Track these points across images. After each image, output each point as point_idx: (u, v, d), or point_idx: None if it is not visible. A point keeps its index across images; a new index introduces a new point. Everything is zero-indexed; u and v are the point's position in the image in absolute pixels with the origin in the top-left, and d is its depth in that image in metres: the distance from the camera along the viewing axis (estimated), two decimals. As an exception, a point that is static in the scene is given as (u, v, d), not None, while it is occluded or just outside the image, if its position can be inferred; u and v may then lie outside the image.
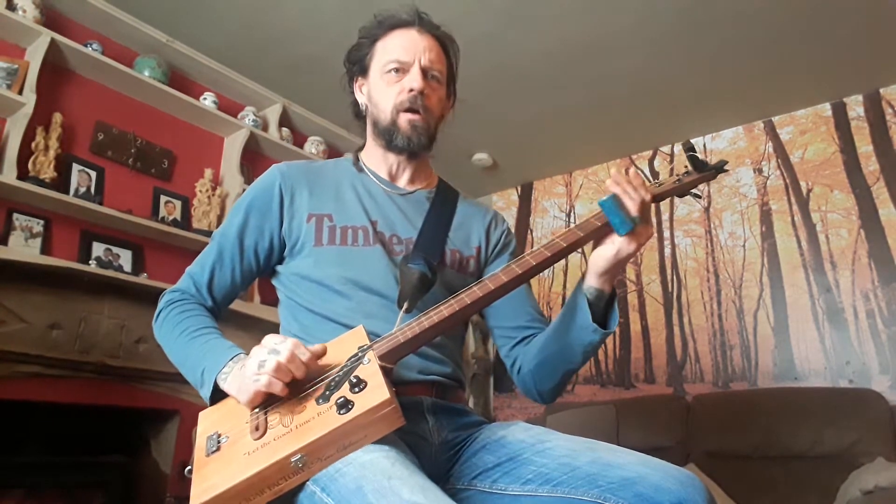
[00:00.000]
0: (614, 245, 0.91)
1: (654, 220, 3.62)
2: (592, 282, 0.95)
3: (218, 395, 0.90)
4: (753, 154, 3.43)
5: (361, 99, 1.18)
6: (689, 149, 1.05)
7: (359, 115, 1.20)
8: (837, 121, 3.20)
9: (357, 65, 1.17)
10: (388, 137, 1.11)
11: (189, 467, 0.81)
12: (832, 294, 2.99)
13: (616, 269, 0.94)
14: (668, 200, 3.63)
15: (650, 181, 1.01)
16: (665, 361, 3.39)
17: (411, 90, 1.08)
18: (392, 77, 1.10)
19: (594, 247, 0.95)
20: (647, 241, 0.93)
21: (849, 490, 2.01)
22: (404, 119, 1.09)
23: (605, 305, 0.97)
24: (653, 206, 0.94)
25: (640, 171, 0.91)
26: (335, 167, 1.19)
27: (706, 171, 1.06)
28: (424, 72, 1.10)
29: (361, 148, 1.22)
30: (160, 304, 1.05)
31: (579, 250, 1.09)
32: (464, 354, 1.20)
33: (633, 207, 0.89)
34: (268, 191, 1.09)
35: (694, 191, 1.06)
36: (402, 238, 1.10)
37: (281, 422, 0.79)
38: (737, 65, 2.92)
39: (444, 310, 0.88)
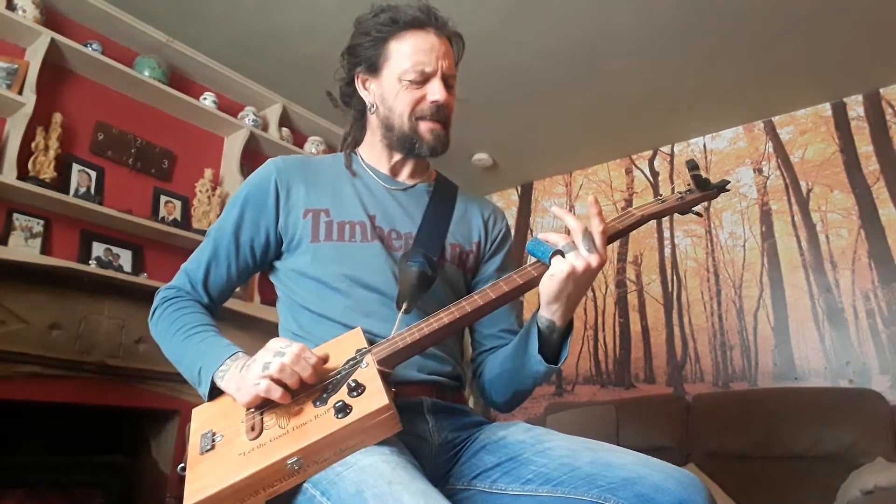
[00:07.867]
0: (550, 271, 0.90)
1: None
2: (542, 311, 0.94)
3: (215, 392, 0.90)
4: (753, 154, 3.43)
5: (367, 97, 1.13)
6: (693, 167, 1.05)
7: (348, 103, 1.18)
8: (837, 121, 3.19)
9: (365, 62, 1.11)
10: (409, 145, 1.08)
11: (182, 465, 0.80)
12: (832, 294, 2.99)
13: (561, 299, 0.90)
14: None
15: (658, 194, 1.01)
16: (665, 361, 3.39)
17: (434, 101, 1.06)
18: (413, 85, 1.06)
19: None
20: (585, 268, 0.87)
21: (849, 490, 2.01)
22: (426, 128, 1.07)
23: (560, 338, 0.95)
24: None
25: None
26: (332, 162, 1.17)
27: (709, 189, 1.06)
28: (444, 79, 1.07)
29: (354, 143, 1.19)
30: (155, 302, 1.04)
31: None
32: (465, 356, 1.20)
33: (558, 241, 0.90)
34: (263, 185, 1.07)
35: (696, 208, 1.06)
36: (402, 233, 1.08)
37: (277, 423, 0.79)
38: (737, 65, 2.91)
39: (445, 317, 0.89)
